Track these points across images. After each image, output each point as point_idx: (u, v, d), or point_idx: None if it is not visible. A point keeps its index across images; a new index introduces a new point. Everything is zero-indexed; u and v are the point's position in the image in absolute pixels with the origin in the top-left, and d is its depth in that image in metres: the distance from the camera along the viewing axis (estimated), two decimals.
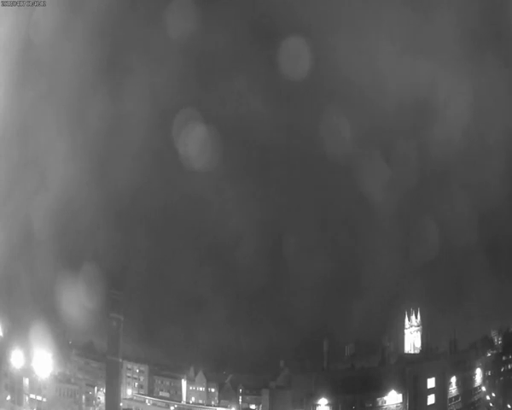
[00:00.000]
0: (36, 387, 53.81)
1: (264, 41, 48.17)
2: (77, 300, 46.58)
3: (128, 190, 48.50)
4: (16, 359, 53.30)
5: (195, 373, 54.49)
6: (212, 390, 53.78)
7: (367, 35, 48.43)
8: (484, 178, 49.74)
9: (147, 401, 55.28)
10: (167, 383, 56.06)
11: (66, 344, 57.17)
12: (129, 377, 56.24)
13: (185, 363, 55.14)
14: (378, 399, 48.91)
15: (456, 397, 52.12)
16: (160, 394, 55.90)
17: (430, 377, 50.68)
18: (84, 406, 54.86)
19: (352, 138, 48.64)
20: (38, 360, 53.41)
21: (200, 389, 54.15)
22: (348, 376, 50.06)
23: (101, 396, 54.80)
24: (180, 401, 54.45)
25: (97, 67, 49.27)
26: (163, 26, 48.03)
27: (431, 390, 50.66)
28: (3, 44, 49.32)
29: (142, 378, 56.47)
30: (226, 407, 52.71)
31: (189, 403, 54.04)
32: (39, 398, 53.72)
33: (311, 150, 50.33)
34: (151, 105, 49.40)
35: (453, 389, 51.96)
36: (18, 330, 52.53)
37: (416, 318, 56.76)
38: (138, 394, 56.09)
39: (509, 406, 52.46)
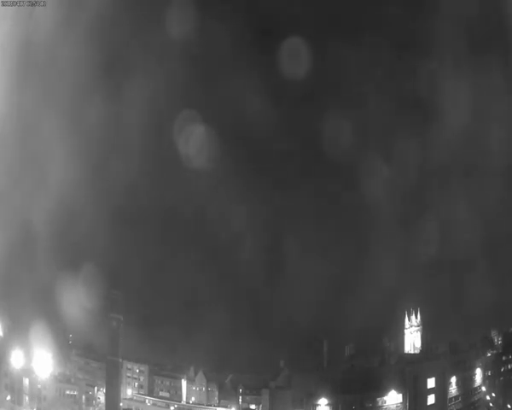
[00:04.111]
0: (36, 387, 53.84)
1: (264, 41, 48.19)
2: (77, 300, 46.58)
3: (128, 190, 48.51)
4: (16, 359, 53.32)
5: (195, 373, 54.50)
6: (213, 390, 53.76)
7: (366, 34, 48.34)
8: (484, 179, 49.71)
9: (147, 401, 55.30)
10: (167, 383, 56.09)
11: (66, 344, 57.26)
12: (129, 377, 56.28)
13: (185, 363, 55.22)
14: (378, 399, 48.93)
15: (456, 397, 52.16)
16: (160, 394, 55.94)
17: (430, 377, 50.75)
18: (84, 406, 54.91)
19: (352, 138, 48.61)
20: (38, 360, 53.45)
21: (200, 389, 54.15)
22: (348, 376, 50.10)
23: (101, 396, 54.85)
24: (180, 401, 54.46)
25: (97, 68, 49.21)
26: (162, 26, 48.02)
27: (431, 390, 50.73)
28: (3, 44, 49.23)
29: (142, 378, 56.50)
30: (226, 407, 52.69)
31: (189, 403, 54.05)
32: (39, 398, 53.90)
33: (310, 150, 50.38)
34: (151, 105, 49.40)
35: (453, 389, 52.02)
36: (18, 330, 52.56)
37: (416, 318, 56.78)
38: (138, 394, 56.14)
39: (508, 406, 52.47)
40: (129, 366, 56.12)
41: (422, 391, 50.20)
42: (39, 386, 53.92)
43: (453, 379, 52.00)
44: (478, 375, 54.44)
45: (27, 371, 53.74)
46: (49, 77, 50.27)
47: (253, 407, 52.29)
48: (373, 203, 49.03)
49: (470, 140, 47.65)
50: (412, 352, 56.49)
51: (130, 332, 50.31)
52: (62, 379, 55.51)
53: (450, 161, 49.62)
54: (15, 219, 48.51)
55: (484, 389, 54.61)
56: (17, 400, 53.57)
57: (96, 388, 55.33)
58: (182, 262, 48.91)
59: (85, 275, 46.93)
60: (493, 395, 54.38)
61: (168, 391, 55.74)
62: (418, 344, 56.70)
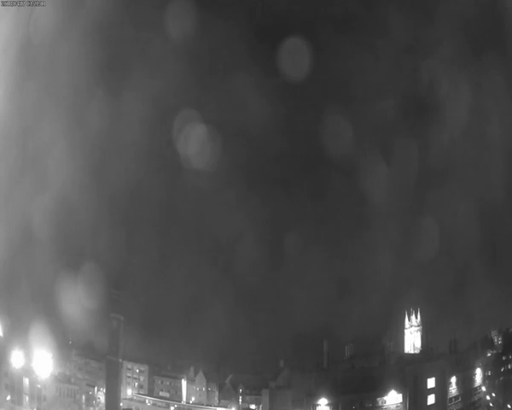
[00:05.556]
0: (36, 387, 53.83)
1: (264, 41, 48.19)
2: (77, 300, 46.58)
3: (128, 189, 48.54)
4: (16, 359, 53.31)
5: (195, 373, 54.48)
6: (213, 390, 53.75)
7: (367, 35, 48.43)
8: (484, 178, 49.75)
9: (147, 401, 55.26)
10: (167, 383, 56.05)
11: (66, 344, 57.20)
12: (129, 377, 56.23)
13: (185, 363, 55.18)
14: (378, 399, 48.86)
15: (456, 397, 52.10)
16: (160, 394, 55.89)
17: (430, 377, 50.65)
18: (84, 406, 54.87)
19: (353, 138, 48.65)
20: (38, 360, 53.42)
21: (200, 389, 54.14)
22: (348, 376, 49.98)
23: (101, 396, 54.82)
24: (180, 401, 54.45)
25: (97, 68, 49.26)
26: (162, 26, 48.04)
27: (431, 390, 50.64)
28: (3, 44, 49.28)
29: (142, 378, 56.46)
30: (226, 407, 52.69)
31: (189, 403, 54.03)
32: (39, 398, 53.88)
33: (310, 150, 50.39)
34: (151, 105, 49.40)
35: (453, 389, 51.94)
36: (18, 330, 52.53)
37: (416, 318, 56.79)
38: (138, 394, 56.08)
39: (509, 406, 52.46)
40: (129, 366, 56.05)
41: (422, 391, 50.13)
42: (39, 386, 53.88)
43: (453, 379, 51.91)
44: (478, 375, 54.38)
45: (27, 371, 53.71)
46: (49, 77, 50.32)
47: (253, 407, 52.30)
48: (373, 203, 49.07)
49: (470, 139, 47.74)
50: (412, 352, 56.46)
51: (130, 332, 50.33)
52: (62, 379, 55.42)
53: (450, 160, 49.69)
54: (16, 218, 48.56)
55: (484, 389, 54.59)
56: (17, 400, 53.57)
57: (95, 388, 55.28)
58: (182, 262, 48.94)
59: (86, 275, 46.97)
60: (493, 395, 54.37)
61: (168, 391, 55.70)
62: (418, 344, 56.68)
